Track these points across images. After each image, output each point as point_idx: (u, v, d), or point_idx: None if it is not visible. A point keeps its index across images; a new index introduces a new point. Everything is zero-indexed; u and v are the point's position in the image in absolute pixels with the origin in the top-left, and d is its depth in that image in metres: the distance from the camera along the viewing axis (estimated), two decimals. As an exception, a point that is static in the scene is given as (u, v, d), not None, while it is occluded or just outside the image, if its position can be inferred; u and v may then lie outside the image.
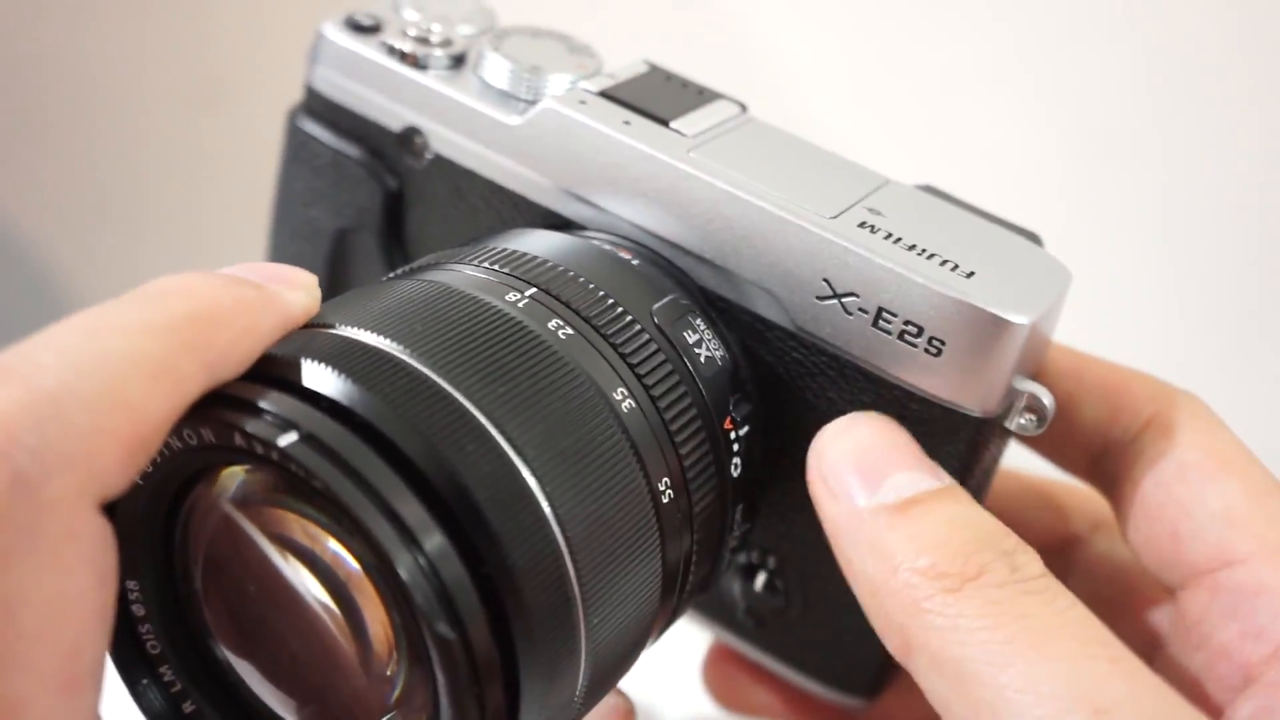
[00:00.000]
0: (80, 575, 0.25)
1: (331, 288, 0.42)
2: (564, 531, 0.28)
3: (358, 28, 0.40)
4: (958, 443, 0.34)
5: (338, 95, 0.41)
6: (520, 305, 0.31)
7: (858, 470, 0.32)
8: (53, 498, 0.24)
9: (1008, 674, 0.28)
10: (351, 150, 0.41)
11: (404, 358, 0.28)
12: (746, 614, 0.39)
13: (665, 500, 0.31)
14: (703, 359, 0.33)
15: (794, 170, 0.36)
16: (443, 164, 0.39)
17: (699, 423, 0.32)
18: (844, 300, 0.34)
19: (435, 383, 0.28)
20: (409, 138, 0.40)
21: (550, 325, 0.31)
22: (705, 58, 0.70)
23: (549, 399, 0.29)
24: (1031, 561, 0.31)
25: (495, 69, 0.38)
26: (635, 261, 0.35)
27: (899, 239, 0.34)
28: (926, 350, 0.33)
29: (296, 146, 0.42)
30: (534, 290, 0.32)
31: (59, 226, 0.87)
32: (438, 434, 0.27)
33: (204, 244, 0.87)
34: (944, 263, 0.33)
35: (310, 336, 0.28)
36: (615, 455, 0.30)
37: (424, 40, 0.39)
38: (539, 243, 0.34)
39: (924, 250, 0.33)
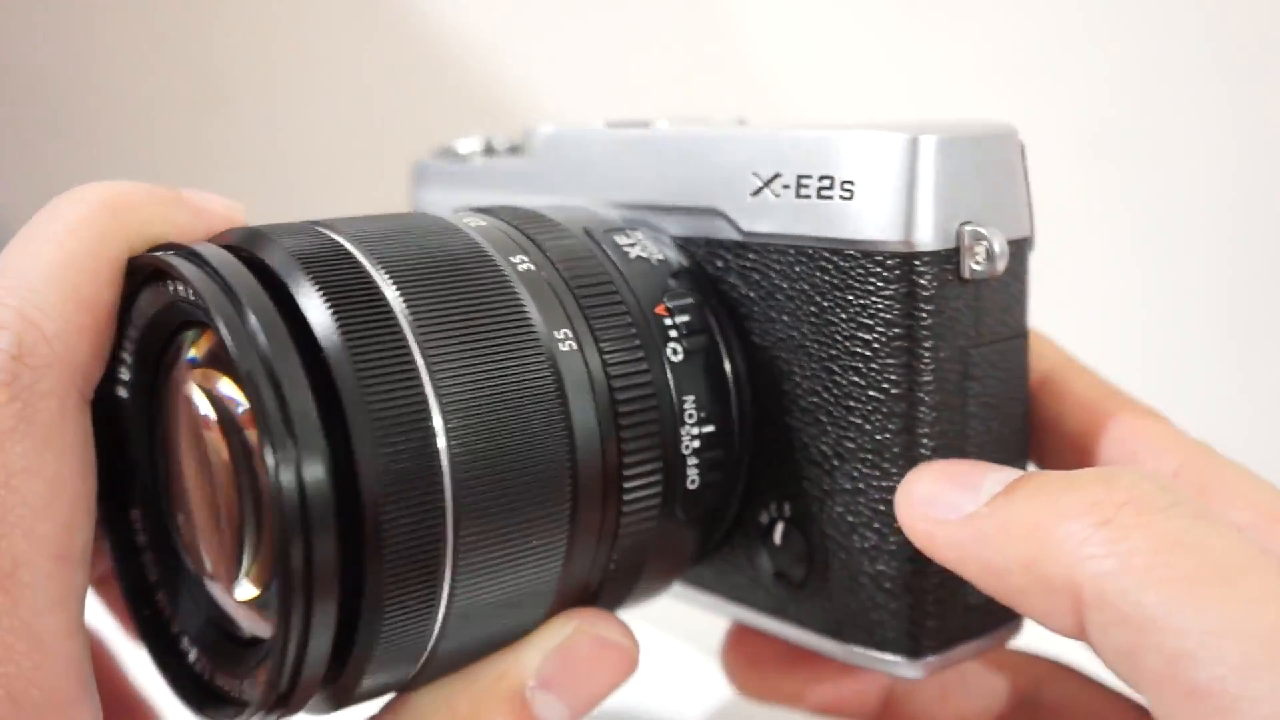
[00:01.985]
0: (71, 459, 0.29)
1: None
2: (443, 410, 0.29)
3: (443, 154, 0.47)
4: (901, 288, 0.32)
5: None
6: (480, 230, 0.34)
7: (954, 486, 0.31)
8: (45, 390, 0.29)
9: (1200, 616, 0.25)
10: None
11: (349, 247, 0.31)
12: (776, 579, 0.36)
13: (565, 348, 0.31)
14: (632, 256, 0.34)
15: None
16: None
17: (615, 295, 0.33)
18: (770, 185, 0.34)
19: (350, 253, 0.30)
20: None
21: (513, 260, 0.33)
22: (703, 58, 0.68)
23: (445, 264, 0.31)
24: (1180, 488, 0.28)
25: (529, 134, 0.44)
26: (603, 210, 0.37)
27: (807, 126, 0.34)
28: (842, 198, 0.32)
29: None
30: (502, 223, 0.35)
31: None
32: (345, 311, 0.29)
33: None
34: (851, 125, 0.33)
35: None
36: (501, 300, 0.31)
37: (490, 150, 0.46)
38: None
39: (834, 124, 0.34)
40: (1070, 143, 0.64)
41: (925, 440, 0.32)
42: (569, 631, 0.32)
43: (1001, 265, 0.31)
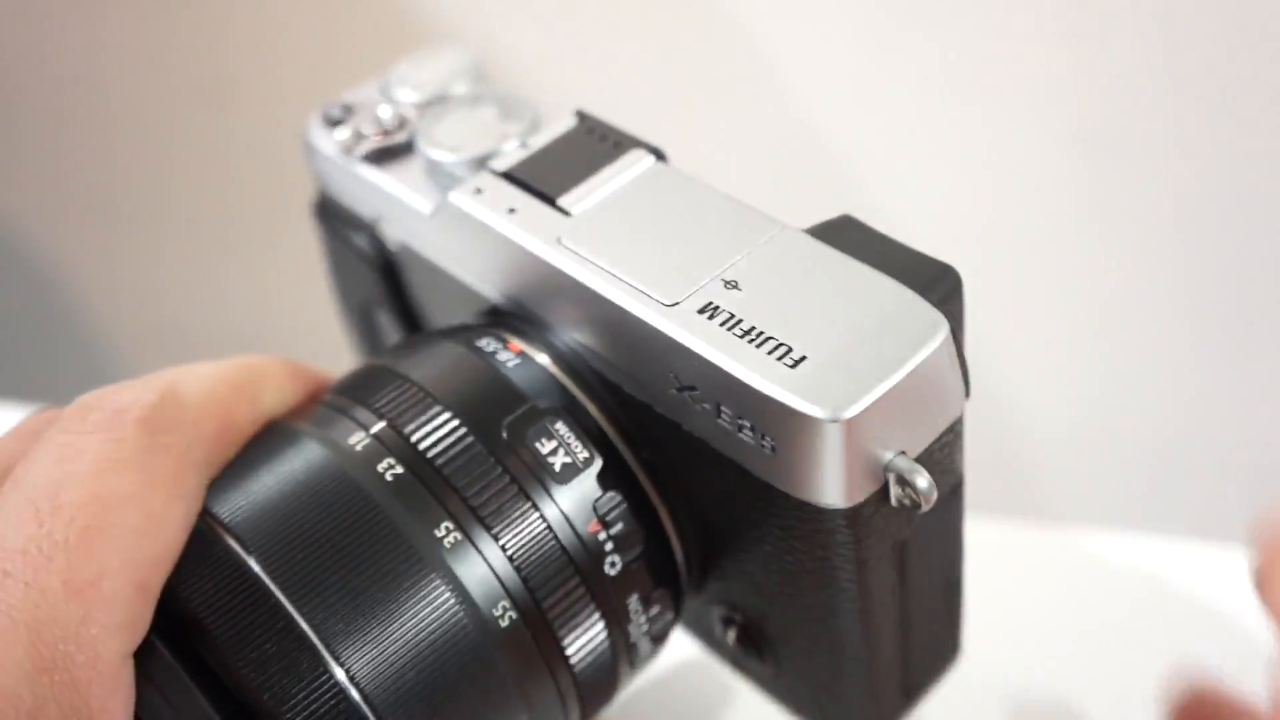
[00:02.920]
0: (174, 515, 0.31)
1: (372, 354, 0.46)
2: (345, 666, 0.30)
3: (331, 121, 0.42)
4: (826, 536, 0.31)
5: (326, 187, 0.43)
6: (358, 449, 0.33)
7: None
8: (168, 444, 0.31)
9: None
10: (349, 236, 0.43)
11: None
12: (733, 663, 0.39)
13: (505, 624, 0.32)
14: (558, 467, 0.33)
15: (664, 242, 0.34)
16: (407, 250, 0.41)
17: (551, 538, 0.33)
18: (689, 394, 0.32)
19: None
20: (377, 225, 0.42)
21: (379, 468, 0.32)
22: (701, 57, 0.68)
23: (360, 560, 0.31)
24: None
25: (428, 154, 0.39)
26: (514, 363, 0.35)
27: (738, 322, 0.31)
28: (762, 446, 0.31)
29: (321, 237, 0.45)
30: (380, 426, 0.33)
31: (63, 225, 0.92)
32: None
33: (208, 242, 0.90)
34: (776, 348, 0.30)
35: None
36: (426, 596, 0.31)
37: (384, 133, 0.41)
38: (423, 356, 0.36)
39: (760, 335, 0.31)
40: (1061, 143, 0.60)
41: (868, 622, 0.34)
42: None
43: (930, 500, 0.31)
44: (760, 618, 0.37)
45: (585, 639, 0.33)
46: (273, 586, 0.30)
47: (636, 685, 0.39)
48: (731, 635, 0.38)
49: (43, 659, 0.28)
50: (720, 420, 0.32)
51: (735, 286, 0.32)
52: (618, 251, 0.34)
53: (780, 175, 0.77)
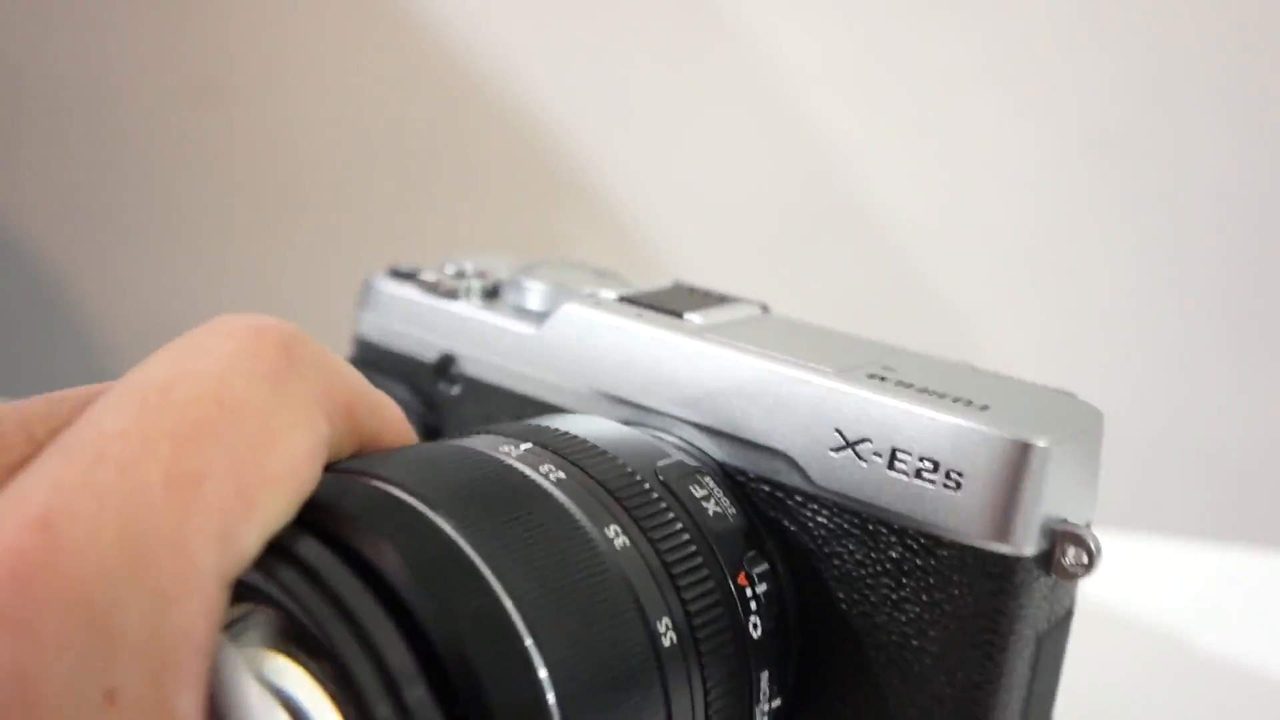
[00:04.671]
0: (306, 452, 0.26)
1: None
2: (547, 663, 0.26)
3: (399, 275, 0.43)
4: (995, 586, 0.31)
5: (380, 338, 0.43)
6: (515, 455, 0.31)
7: None
8: (306, 386, 0.27)
9: None
10: (393, 388, 0.42)
11: (415, 504, 0.28)
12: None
13: (667, 643, 0.29)
14: (710, 513, 0.32)
15: (806, 343, 0.36)
16: (473, 385, 0.40)
17: (705, 570, 0.31)
18: (857, 448, 0.32)
19: (432, 521, 0.27)
20: (444, 366, 0.41)
21: (542, 469, 0.30)
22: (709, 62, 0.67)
23: (538, 535, 0.28)
24: None
25: (522, 291, 0.40)
26: (646, 435, 0.35)
27: (910, 385, 0.33)
28: (945, 485, 0.31)
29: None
30: (530, 445, 0.32)
31: (61, 226, 0.86)
32: (431, 572, 0.26)
33: (207, 242, 0.86)
34: (957, 400, 0.32)
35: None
36: (605, 588, 0.28)
37: (460, 275, 0.42)
38: (557, 420, 0.35)
39: (937, 392, 0.32)
40: (1072, 143, 0.64)
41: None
42: None
43: (1097, 566, 0.31)
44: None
45: (724, 689, 0.30)
46: (468, 549, 0.27)
47: None
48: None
49: (130, 555, 0.23)
50: (893, 469, 0.32)
51: (892, 369, 0.34)
52: (764, 342, 0.35)
53: (782, 174, 0.76)
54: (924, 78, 0.71)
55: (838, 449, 0.33)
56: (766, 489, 0.34)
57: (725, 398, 0.35)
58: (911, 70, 0.71)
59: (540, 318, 0.39)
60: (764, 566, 0.32)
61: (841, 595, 0.33)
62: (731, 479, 0.35)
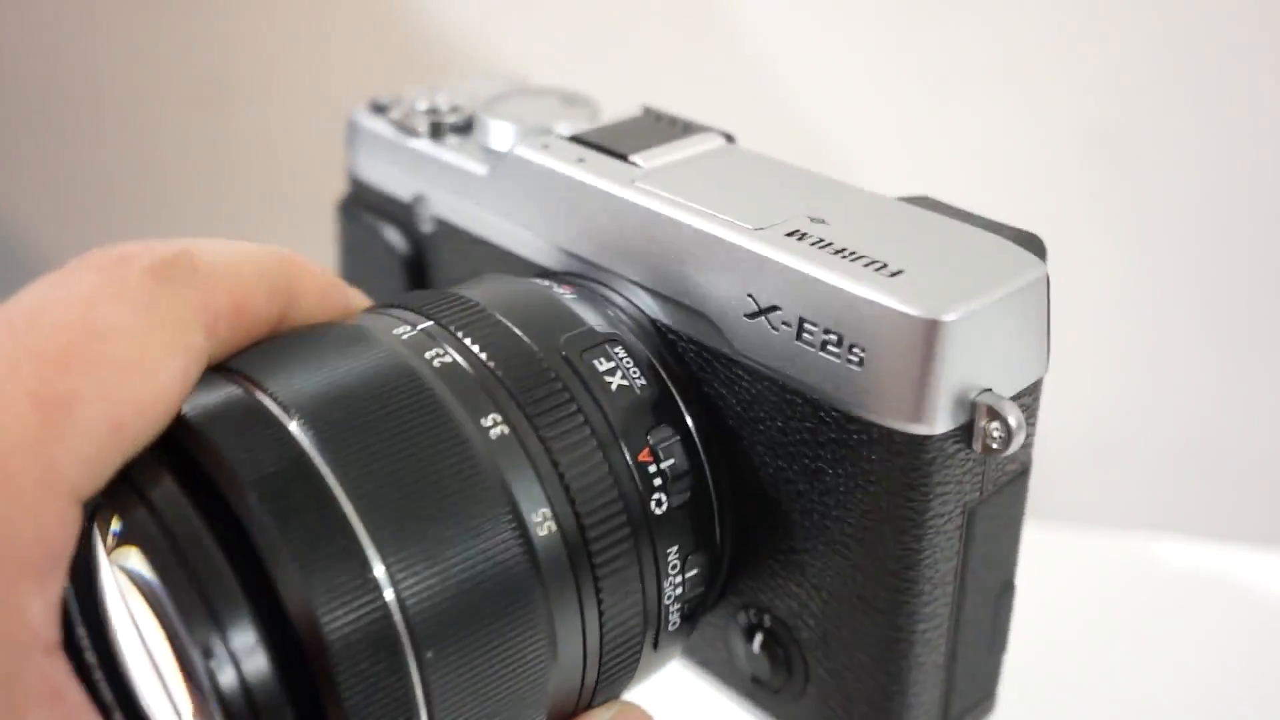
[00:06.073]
0: (173, 360, 0.27)
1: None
2: (394, 581, 0.26)
3: (378, 108, 0.42)
4: (906, 464, 0.29)
5: (367, 177, 0.42)
6: (406, 338, 0.30)
7: None
8: (173, 296, 0.28)
9: None
10: (378, 229, 0.42)
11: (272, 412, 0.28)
12: (754, 681, 0.35)
13: (544, 532, 0.29)
14: (614, 388, 0.31)
15: (745, 190, 0.33)
16: (445, 227, 0.40)
17: (598, 452, 0.30)
18: (769, 315, 0.30)
19: (284, 431, 0.27)
20: (415, 205, 0.40)
21: (428, 354, 0.30)
22: (704, 69, 0.66)
23: (400, 438, 0.28)
24: None
25: (486, 129, 0.38)
26: (571, 297, 0.33)
27: (828, 244, 0.30)
28: (849, 361, 0.29)
29: (344, 233, 0.44)
30: (429, 324, 0.31)
31: (59, 225, 0.89)
32: (272, 492, 0.26)
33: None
34: (870, 264, 0.29)
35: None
36: (470, 487, 0.28)
37: (434, 111, 0.40)
38: (475, 282, 0.34)
39: (852, 254, 0.30)
40: (1070, 141, 0.62)
41: (922, 601, 0.31)
42: (615, 709, 0.32)
43: (1019, 441, 0.29)
44: (795, 613, 0.33)
45: (619, 577, 0.30)
46: (319, 460, 0.27)
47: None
48: (757, 643, 0.35)
49: None
50: (801, 340, 0.30)
51: (822, 222, 0.31)
52: (695, 192, 0.33)
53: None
54: (925, 77, 0.69)
55: (751, 315, 0.31)
56: (694, 350, 0.33)
57: (652, 254, 0.33)
58: (912, 70, 0.69)
59: (498, 160, 0.38)
60: (672, 439, 0.31)
61: (767, 461, 0.32)
62: (665, 339, 0.33)
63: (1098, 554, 0.53)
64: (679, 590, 0.32)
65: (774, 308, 0.30)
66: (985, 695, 0.35)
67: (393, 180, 0.41)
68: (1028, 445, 0.32)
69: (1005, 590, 0.34)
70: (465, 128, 0.40)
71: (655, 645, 0.32)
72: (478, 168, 0.38)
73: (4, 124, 0.91)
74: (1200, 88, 0.61)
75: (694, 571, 0.32)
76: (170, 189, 0.92)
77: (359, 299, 0.34)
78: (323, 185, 0.83)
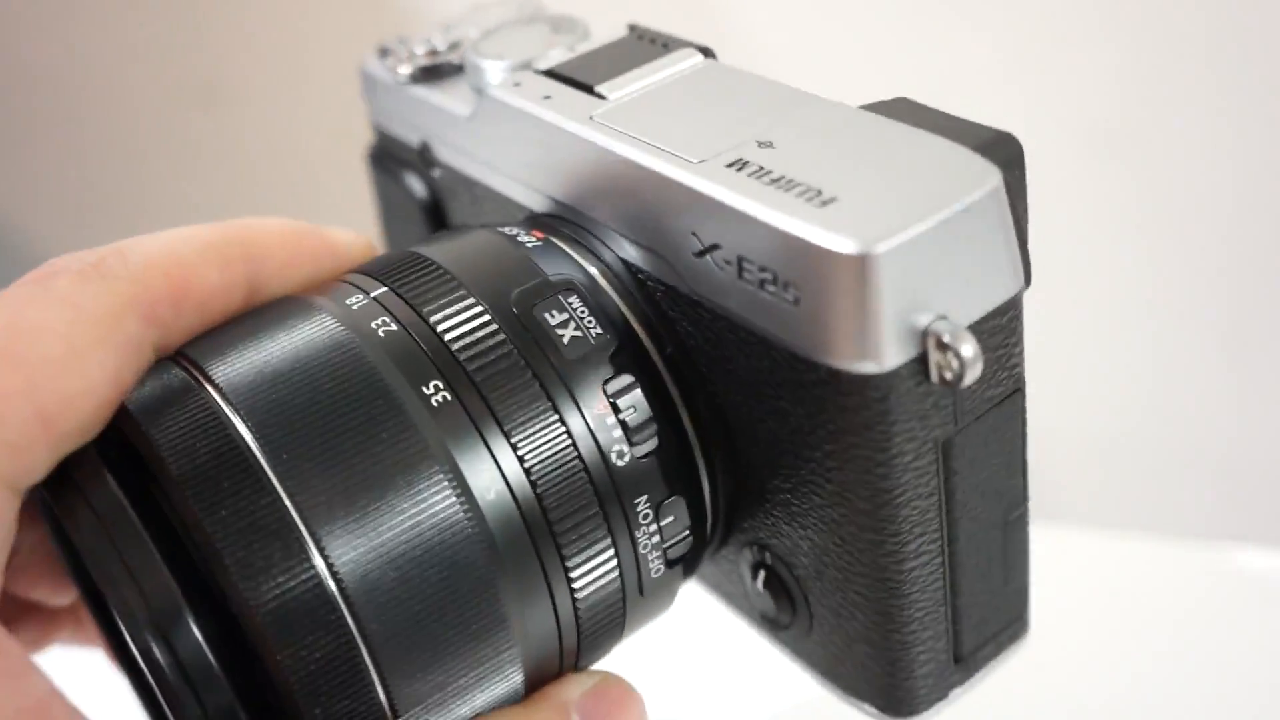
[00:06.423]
0: (105, 360, 0.29)
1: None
2: (331, 562, 0.27)
3: (383, 53, 0.41)
4: (857, 402, 0.27)
5: (384, 125, 0.42)
6: (357, 306, 0.30)
7: None
8: (100, 292, 0.29)
9: None
10: (401, 177, 0.42)
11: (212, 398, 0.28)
12: (762, 617, 0.35)
13: (492, 495, 0.28)
14: (566, 340, 0.30)
15: (701, 117, 0.31)
16: (450, 172, 0.39)
17: (549, 412, 0.29)
18: (713, 254, 0.29)
19: (222, 418, 0.28)
20: (423, 151, 0.40)
21: (375, 323, 0.30)
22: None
23: (338, 421, 0.28)
24: None
25: (477, 70, 0.38)
26: (535, 245, 0.32)
27: (767, 173, 0.28)
28: (785, 300, 0.27)
29: (375, 182, 0.44)
30: (381, 290, 0.31)
31: (56, 225, 0.90)
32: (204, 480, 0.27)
33: None
34: (804, 192, 0.27)
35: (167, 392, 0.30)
36: (410, 461, 0.28)
37: (433, 53, 0.40)
38: (445, 239, 0.33)
39: (788, 182, 0.28)
40: (1071, 142, 0.61)
41: (901, 540, 0.29)
42: (597, 679, 0.32)
43: (975, 371, 0.27)
44: (790, 551, 0.32)
45: (584, 541, 0.30)
46: (252, 443, 0.27)
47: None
48: (760, 580, 0.34)
49: None
50: (742, 280, 0.28)
51: (769, 146, 0.29)
52: (649, 124, 0.31)
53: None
54: (925, 77, 0.67)
55: (698, 253, 0.29)
56: (662, 290, 0.32)
57: (612, 193, 0.32)
58: (912, 70, 0.68)
59: (480, 101, 0.37)
60: (631, 388, 0.30)
61: (739, 401, 0.31)
62: (636, 279, 0.32)
63: (1098, 554, 0.52)
64: (654, 538, 0.31)
65: (715, 246, 0.29)
66: (1010, 622, 0.33)
67: (405, 127, 0.41)
68: (1014, 365, 0.30)
69: (1014, 518, 0.31)
70: (459, 68, 0.39)
71: (642, 593, 0.32)
72: (464, 110, 0.37)
73: (3, 124, 0.92)
74: (1202, 88, 0.59)
75: (670, 518, 0.31)
76: (166, 188, 0.93)
77: (343, 236, 0.34)
78: (323, 185, 0.83)
